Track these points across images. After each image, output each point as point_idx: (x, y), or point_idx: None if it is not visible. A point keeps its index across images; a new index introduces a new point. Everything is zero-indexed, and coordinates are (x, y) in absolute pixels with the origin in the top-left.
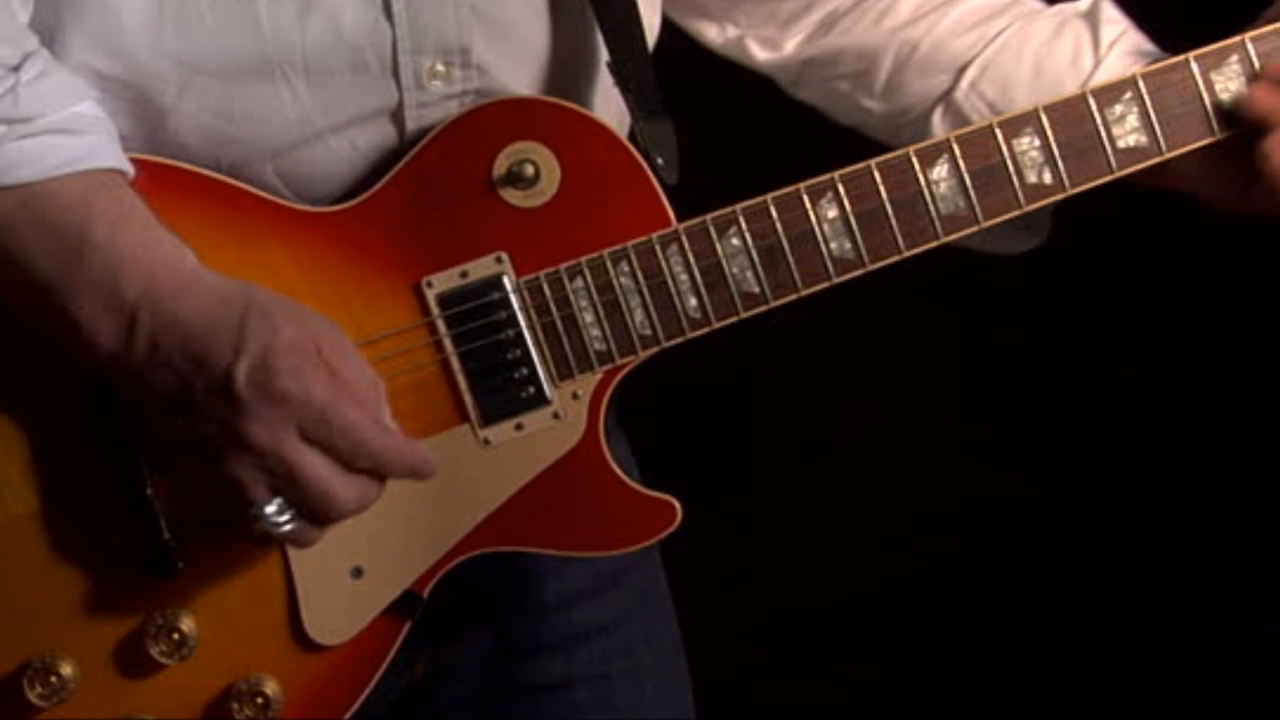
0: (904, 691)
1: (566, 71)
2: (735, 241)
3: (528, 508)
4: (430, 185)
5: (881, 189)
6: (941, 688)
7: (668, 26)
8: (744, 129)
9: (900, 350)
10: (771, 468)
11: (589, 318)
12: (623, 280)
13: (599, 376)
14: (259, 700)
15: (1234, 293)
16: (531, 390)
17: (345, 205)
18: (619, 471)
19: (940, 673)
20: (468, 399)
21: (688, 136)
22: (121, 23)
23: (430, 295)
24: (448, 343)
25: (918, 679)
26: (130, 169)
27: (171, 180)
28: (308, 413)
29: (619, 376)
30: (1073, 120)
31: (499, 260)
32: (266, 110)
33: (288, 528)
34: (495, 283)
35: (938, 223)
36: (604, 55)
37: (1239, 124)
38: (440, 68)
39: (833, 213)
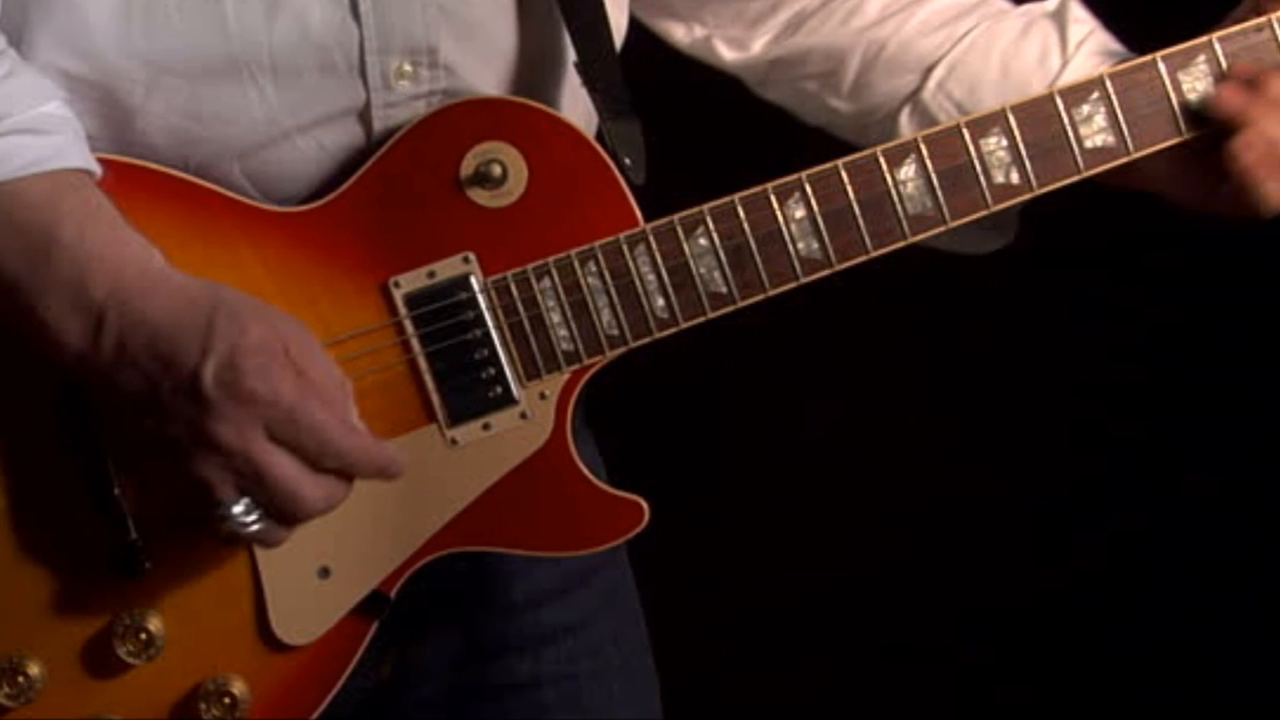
0: (872, 691)
1: (534, 71)
2: (703, 242)
3: (495, 508)
4: (397, 185)
5: (849, 189)
6: (909, 687)
7: (635, 26)
8: (711, 129)
9: (867, 350)
10: (739, 467)
11: (556, 318)
12: (590, 280)
13: (566, 376)
14: (226, 700)
15: (1201, 292)
16: (499, 390)
17: (312, 205)
18: (586, 471)
19: (908, 672)
20: (435, 399)
21: (655, 136)
22: (89, 23)
23: (398, 295)
24: (415, 343)
25: (885, 678)
26: (97, 169)
27: (139, 180)
28: (275, 412)
29: (586, 376)
30: (1040, 120)
31: (466, 260)
32: (234, 110)
33: (255, 528)
34: (462, 283)
35: (905, 223)
36: (571, 55)
37: (1206, 124)
38: (407, 68)
39: (800, 213)
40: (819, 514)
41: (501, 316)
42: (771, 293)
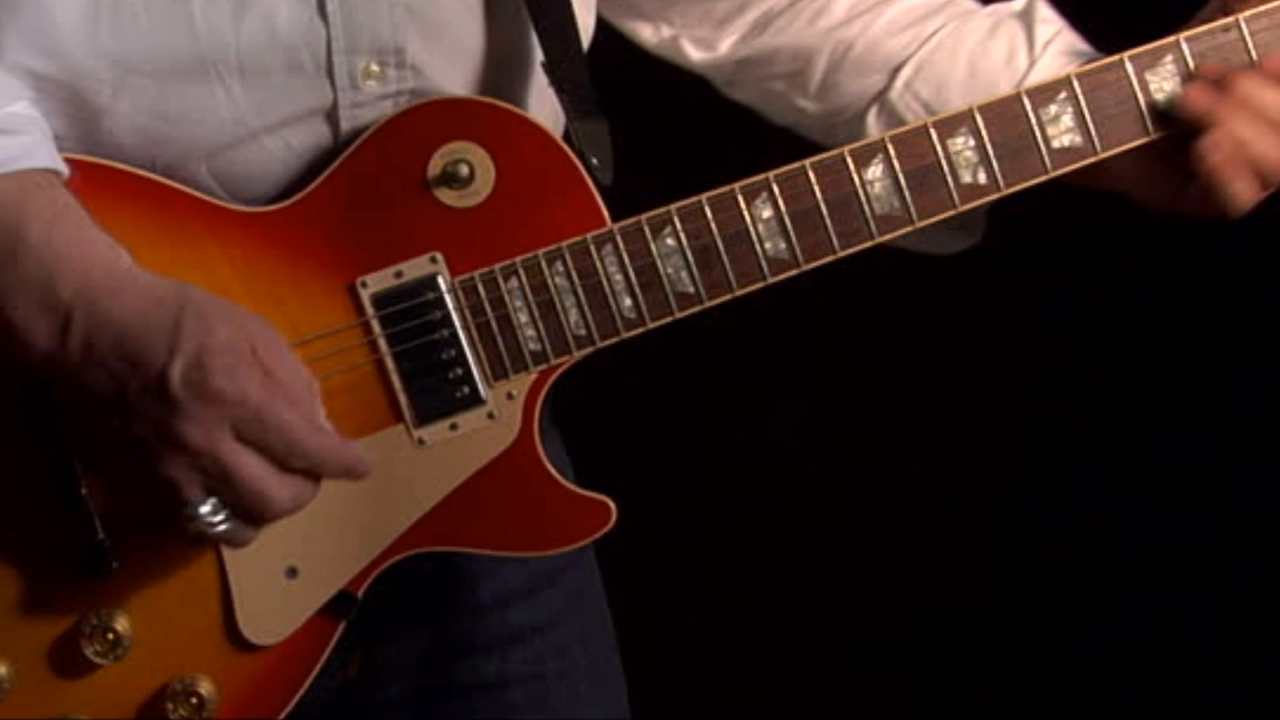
0: (841, 691)
1: (501, 72)
2: (670, 242)
3: (463, 508)
4: (365, 185)
5: (816, 189)
6: (877, 687)
7: (602, 26)
8: (679, 129)
9: (835, 350)
10: (706, 467)
11: (524, 318)
12: (557, 280)
13: (534, 377)
14: (194, 700)
15: (1168, 292)
16: (466, 390)
17: (280, 205)
18: (554, 471)
19: (876, 672)
20: (402, 399)
21: (622, 137)
22: (56, 23)
23: (365, 295)
24: (382, 343)
25: (853, 678)
26: (65, 169)
27: (106, 180)
28: (242, 413)
29: (554, 376)
30: (1007, 120)
31: (434, 260)
32: (201, 110)
33: (222, 528)
34: (430, 283)
35: (873, 223)
36: (539, 55)
37: (1173, 124)
38: (375, 68)
39: (768, 213)
40: (787, 514)
41: (469, 316)
42: (739, 293)
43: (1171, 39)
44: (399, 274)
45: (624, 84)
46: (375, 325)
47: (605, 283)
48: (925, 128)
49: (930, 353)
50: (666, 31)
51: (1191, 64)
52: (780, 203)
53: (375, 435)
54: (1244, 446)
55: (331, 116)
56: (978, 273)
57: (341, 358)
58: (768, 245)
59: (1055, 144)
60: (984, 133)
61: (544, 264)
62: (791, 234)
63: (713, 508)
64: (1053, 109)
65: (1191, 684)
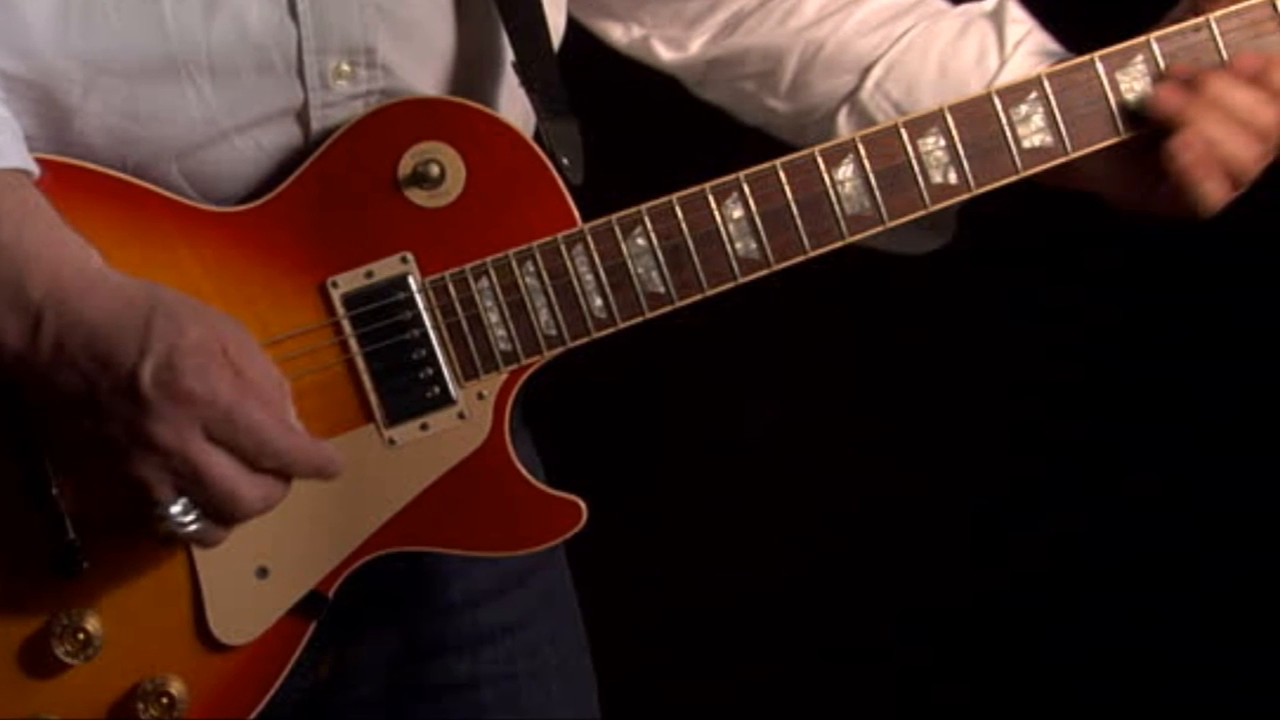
0: (810, 691)
1: (472, 72)
2: (640, 241)
3: (434, 508)
4: (335, 185)
5: (787, 189)
6: (846, 687)
7: (573, 26)
8: (649, 129)
9: (805, 350)
10: (676, 467)
11: (494, 318)
12: (528, 280)
13: (504, 376)
14: (164, 700)
15: (1139, 292)
16: (437, 390)
17: (251, 205)
18: (524, 472)
19: (844, 672)
20: (373, 399)
21: (593, 137)
22: (26, 22)
23: (335, 295)
24: (353, 343)
25: (822, 678)
26: (35, 169)
27: (77, 180)
28: (213, 413)
29: (524, 376)
30: (978, 120)
31: (404, 260)
32: (172, 110)
33: (193, 528)
34: (400, 283)
35: (843, 223)
36: (509, 55)
37: (1144, 124)
38: (345, 68)
39: (738, 213)
40: (757, 514)
41: (439, 316)
42: (709, 293)
43: (1142, 39)
44: (369, 274)
45: (595, 84)
46: (346, 325)
47: (576, 283)
48: (896, 128)
49: (900, 353)
50: (637, 31)
51: (1162, 64)
52: (751, 203)
53: (346, 435)
54: (1214, 446)
55: (302, 116)
56: (948, 273)
57: (312, 358)
58: (738, 245)
59: (1026, 144)
60: (954, 133)
61: (515, 264)
62: (762, 234)
63: (683, 507)
64: (1023, 109)
65: (1164, 684)
